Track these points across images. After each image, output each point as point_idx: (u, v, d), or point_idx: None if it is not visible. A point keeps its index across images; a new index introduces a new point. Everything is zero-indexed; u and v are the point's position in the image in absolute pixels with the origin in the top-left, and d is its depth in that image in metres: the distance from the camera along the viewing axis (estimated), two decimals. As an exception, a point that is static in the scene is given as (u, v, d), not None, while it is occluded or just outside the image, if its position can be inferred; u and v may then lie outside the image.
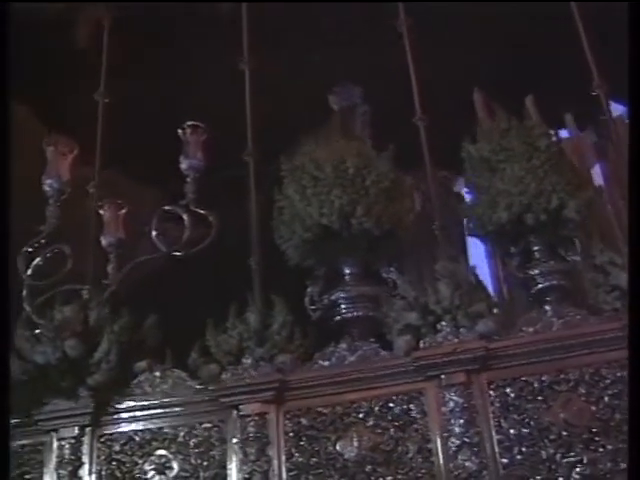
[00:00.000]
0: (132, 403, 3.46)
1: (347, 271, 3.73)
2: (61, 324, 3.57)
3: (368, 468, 3.15)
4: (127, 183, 5.47)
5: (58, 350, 3.52)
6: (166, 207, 4.21)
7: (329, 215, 3.59)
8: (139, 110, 4.81)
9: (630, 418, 2.68)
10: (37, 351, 3.56)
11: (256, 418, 3.28)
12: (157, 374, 3.49)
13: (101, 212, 4.52)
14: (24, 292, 4.11)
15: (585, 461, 2.97)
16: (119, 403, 3.46)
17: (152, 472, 3.35)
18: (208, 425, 3.37)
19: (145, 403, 3.45)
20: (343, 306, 3.63)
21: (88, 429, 3.45)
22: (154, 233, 4.20)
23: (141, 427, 3.43)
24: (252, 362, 3.35)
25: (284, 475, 3.21)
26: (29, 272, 4.04)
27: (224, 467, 3.28)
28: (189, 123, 4.35)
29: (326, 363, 3.35)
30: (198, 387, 3.40)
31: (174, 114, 4.40)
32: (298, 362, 3.35)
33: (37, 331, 3.70)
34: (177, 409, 3.41)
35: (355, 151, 3.75)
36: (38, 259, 4.01)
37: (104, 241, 4.45)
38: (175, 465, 3.34)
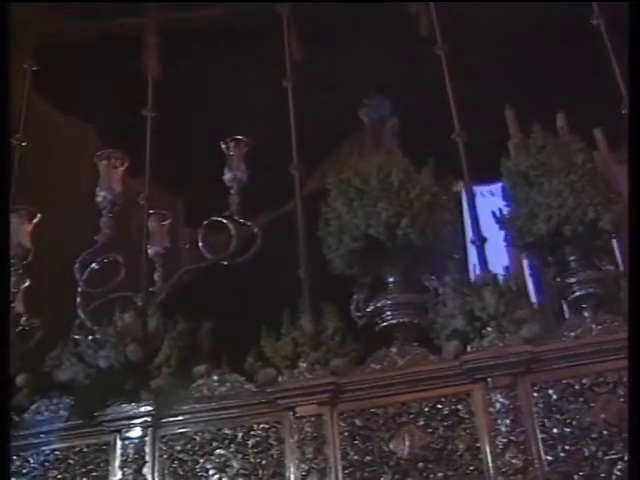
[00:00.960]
0: (192, 405, 3.66)
1: (391, 279, 3.94)
2: (122, 330, 3.77)
3: (420, 465, 3.35)
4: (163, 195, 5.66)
5: (121, 355, 3.72)
6: (213, 218, 4.46)
7: (376, 226, 3.79)
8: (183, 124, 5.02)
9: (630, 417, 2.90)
10: (100, 356, 3.76)
11: (312, 419, 3.48)
12: (215, 378, 3.69)
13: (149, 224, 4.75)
14: (78, 299, 4.35)
15: (626, 459, 3.18)
16: (180, 405, 3.67)
17: (213, 470, 3.54)
18: (265, 426, 3.57)
19: (204, 405, 3.65)
20: (388, 313, 3.84)
21: (150, 430, 3.66)
22: (200, 243, 4.44)
23: (201, 428, 3.63)
24: (307, 366, 3.56)
25: (340, 473, 3.41)
26: (84, 280, 4.26)
27: (282, 465, 3.49)
28: (233, 137, 4.60)
29: (378, 366, 3.55)
30: (255, 390, 3.60)
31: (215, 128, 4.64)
32: (351, 366, 3.56)
33: (97, 337, 3.91)
34: (235, 411, 3.61)
35: (399, 165, 3.96)
36: (94, 265, 4.22)
37: (151, 251, 4.67)
38: (235, 464, 3.53)
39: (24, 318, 4.33)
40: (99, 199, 4.30)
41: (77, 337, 4.17)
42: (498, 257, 4.78)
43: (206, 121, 5.15)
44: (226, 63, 5.08)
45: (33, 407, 3.84)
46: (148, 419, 3.64)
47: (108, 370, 3.73)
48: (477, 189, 4.65)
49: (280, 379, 3.55)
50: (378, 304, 3.85)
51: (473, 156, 4.28)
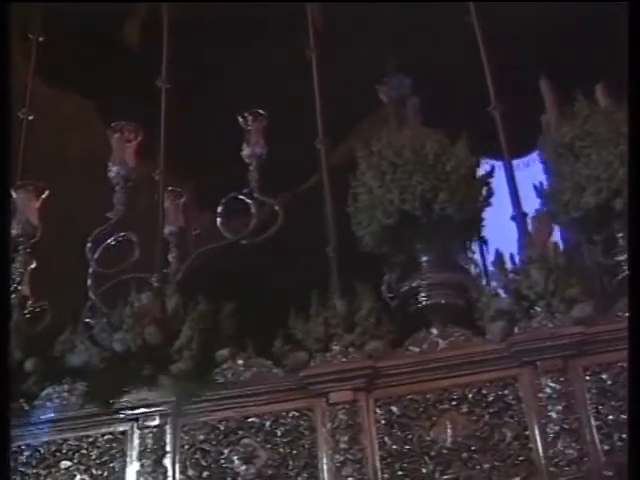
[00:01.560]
0: (215, 392, 3.41)
1: (424, 258, 3.69)
2: (139, 312, 3.51)
3: (464, 455, 3.11)
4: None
5: (138, 338, 3.46)
6: (233, 195, 4.20)
7: (411, 201, 3.54)
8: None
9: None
10: (116, 339, 3.51)
11: (347, 406, 3.23)
12: (240, 362, 3.43)
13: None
14: (89, 281, 4.09)
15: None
16: (202, 392, 3.41)
17: (239, 461, 3.28)
18: (296, 413, 3.32)
19: (229, 392, 3.39)
20: (423, 293, 3.60)
21: (170, 418, 3.40)
22: (219, 221, 4.18)
23: (225, 416, 3.38)
24: (341, 349, 3.31)
25: (377, 463, 3.16)
26: (95, 260, 4.01)
27: (314, 456, 3.24)
28: (251, 111, 4.35)
29: (417, 349, 3.31)
30: (284, 375, 3.36)
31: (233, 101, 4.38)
32: (388, 349, 3.31)
33: (111, 319, 3.66)
34: (262, 398, 3.35)
35: (433, 137, 3.72)
36: (108, 242, 3.96)
37: (165, 230, 4.41)
38: (262, 454, 3.28)
39: (30, 301, 4.10)
40: (112, 174, 4.04)
41: (88, 320, 3.95)
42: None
43: (221, 96, 4.89)
44: (244, 36, 4.82)
45: (43, 394, 3.58)
46: (168, 406, 3.38)
47: (124, 354, 3.47)
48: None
49: (312, 363, 3.31)
50: (413, 284, 3.61)
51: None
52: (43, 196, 4.08)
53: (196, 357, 3.43)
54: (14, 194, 4.08)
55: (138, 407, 3.40)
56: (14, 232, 4.03)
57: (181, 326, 3.50)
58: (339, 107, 5.17)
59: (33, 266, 4.06)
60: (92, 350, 3.52)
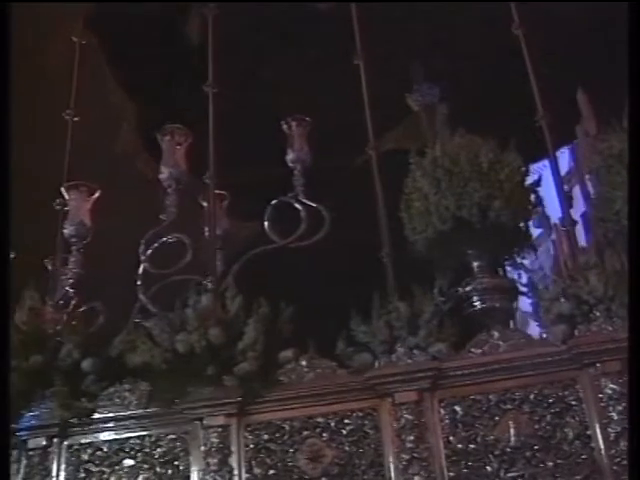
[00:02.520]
0: (280, 392, 3.47)
1: (476, 263, 3.81)
2: (203, 313, 3.56)
3: (527, 454, 3.22)
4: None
5: (202, 338, 3.51)
6: (280, 199, 4.27)
7: (469, 207, 3.66)
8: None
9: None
10: (178, 340, 3.55)
11: (412, 406, 3.33)
12: (303, 363, 3.50)
13: (203, 204, 4.54)
14: (139, 282, 4.13)
15: None
16: (266, 392, 3.47)
17: (305, 461, 3.36)
18: (360, 413, 3.40)
19: (293, 392, 3.46)
20: (477, 298, 3.71)
21: (235, 418, 3.46)
22: (266, 224, 4.24)
23: (290, 415, 3.45)
24: (406, 350, 3.40)
25: (443, 462, 3.26)
26: (148, 261, 4.05)
27: (380, 454, 3.32)
28: (294, 116, 4.41)
29: (479, 351, 3.41)
30: (348, 376, 3.43)
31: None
32: (451, 350, 3.41)
33: (170, 319, 3.69)
34: (327, 398, 3.43)
35: (486, 146, 3.83)
36: (160, 244, 4.00)
37: (208, 232, 4.46)
38: (328, 453, 3.36)
39: (73, 302, 4.11)
40: (163, 176, 4.09)
41: (138, 320, 3.99)
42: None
43: (261, 101, 4.96)
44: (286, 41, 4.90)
45: (104, 393, 3.62)
46: (233, 407, 3.44)
47: (187, 354, 3.53)
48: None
49: (377, 364, 3.40)
50: (467, 288, 3.72)
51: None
52: (95, 196, 4.12)
53: (260, 358, 3.49)
54: (66, 195, 4.11)
55: (203, 407, 3.47)
56: (67, 232, 4.07)
57: (243, 327, 3.57)
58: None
59: (83, 267, 4.09)
60: (154, 351, 3.57)
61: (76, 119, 4.49)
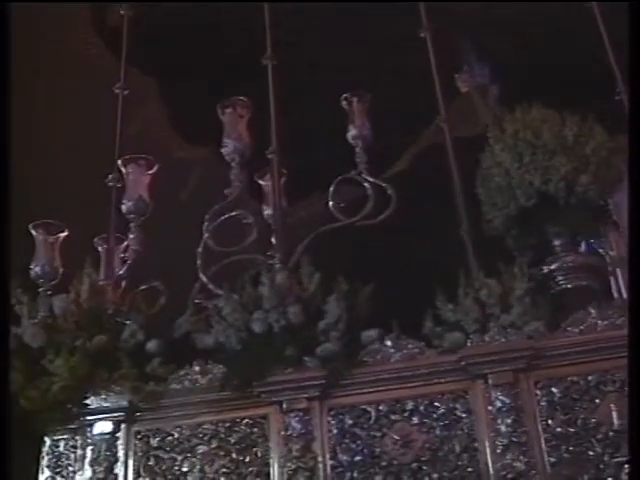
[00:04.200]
0: (363, 374, 3.30)
1: (558, 241, 3.66)
2: (280, 291, 3.37)
3: (632, 437, 3.07)
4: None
5: (281, 318, 3.32)
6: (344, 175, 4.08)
7: (555, 182, 3.51)
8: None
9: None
10: (254, 319, 3.36)
11: (507, 388, 3.16)
12: (389, 343, 3.32)
13: (261, 182, 4.35)
14: (199, 261, 3.92)
15: None
16: (350, 373, 3.29)
17: (394, 446, 3.18)
18: (451, 396, 3.23)
19: (378, 375, 3.26)
20: (561, 277, 3.56)
21: (317, 401, 3.27)
22: (331, 203, 4.06)
23: (375, 399, 3.26)
24: (499, 329, 3.23)
25: (543, 446, 3.08)
26: (210, 239, 3.85)
27: (474, 439, 3.14)
28: (354, 92, 4.24)
29: (576, 330, 3.25)
30: (439, 356, 3.25)
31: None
32: (546, 329, 3.25)
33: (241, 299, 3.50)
34: (415, 380, 3.25)
35: (570, 119, 3.68)
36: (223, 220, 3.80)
37: (266, 211, 4.28)
38: (419, 437, 3.18)
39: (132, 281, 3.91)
40: (227, 149, 3.88)
41: (199, 301, 3.80)
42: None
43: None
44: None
45: (173, 376, 3.42)
46: (315, 389, 3.25)
47: (265, 334, 3.34)
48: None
49: (469, 344, 3.24)
50: (552, 267, 3.57)
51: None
52: (152, 170, 3.91)
53: (343, 338, 3.31)
54: (123, 169, 3.90)
55: (283, 390, 3.28)
56: (125, 208, 3.86)
57: (321, 306, 3.39)
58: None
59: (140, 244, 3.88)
60: (229, 330, 3.37)
61: (126, 92, 4.28)
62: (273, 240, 4.22)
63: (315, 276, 3.44)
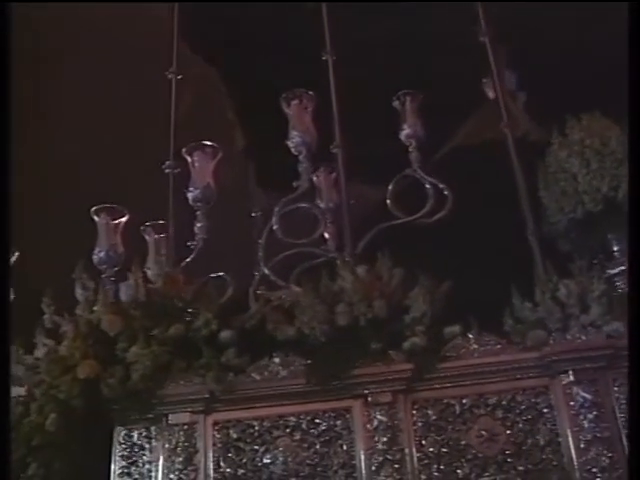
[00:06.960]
0: (446, 368, 3.33)
1: (616, 247, 3.80)
2: (365, 285, 3.37)
3: None
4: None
5: (368, 311, 3.32)
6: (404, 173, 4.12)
7: (624, 190, 3.64)
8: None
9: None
10: (338, 312, 3.35)
11: (587, 385, 3.25)
12: (471, 338, 3.38)
13: (314, 178, 4.33)
14: (260, 254, 3.88)
15: None
16: (435, 368, 3.32)
17: (477, 439, 3.23)
18: (533, 392, 3.30)
19: (461, 370, 3.31)
20: (620, 282, 3.70)
21: (401, 395, 3.29)
22: (388, 202, 4.09)
23: (459, 393, 3.31)
24: (579, 328, 3.33)
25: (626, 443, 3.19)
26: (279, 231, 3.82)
27: (557, 434, 3.21)
28: (406, 91, 4.28)
29: (649, 333, 3.38)
30: (521, 353, 3.32)
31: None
32: (625, 330, 3.36)
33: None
34: (498, 375, 3.32)
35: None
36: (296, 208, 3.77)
37: (321, 206, 4.27)
38: (502, 431, 3.24)
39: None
40: (294, 142, 3.85)
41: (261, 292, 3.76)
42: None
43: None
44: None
45: (252, 367, 3.37)
46: (401, 382, 3.28)
47: (350, 327, 3.33)
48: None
49: (551, 341, 3.32)
50: (614, 271, 3.70)
51: None
52: (217, 158, 3.84)
53: (428, 332, 3.35)
54: (188, 157, 3.82)
55: (368, 383, 3.29)
56: (192, 196, 3.77)
57: (404, 300, 3.41)
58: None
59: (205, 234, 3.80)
60: (312, 323, 3.34)
61: (180, 77, 4.19)
62: (325, 234, 4.27)
63: (397, 271, 3.47)
